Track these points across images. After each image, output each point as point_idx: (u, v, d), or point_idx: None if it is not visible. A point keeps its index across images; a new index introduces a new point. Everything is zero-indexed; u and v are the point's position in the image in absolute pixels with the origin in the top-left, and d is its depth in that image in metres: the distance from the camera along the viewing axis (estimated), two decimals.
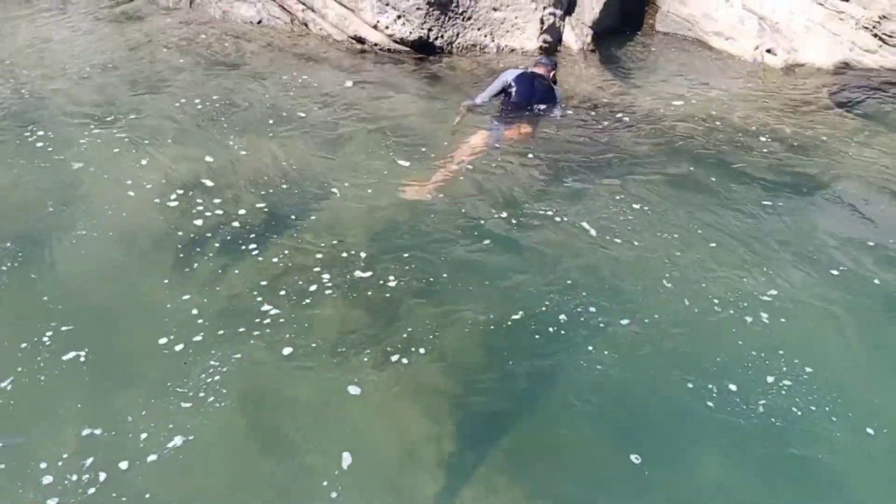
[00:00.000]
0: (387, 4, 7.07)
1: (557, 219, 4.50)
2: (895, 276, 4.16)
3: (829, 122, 6.35)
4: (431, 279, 3.89)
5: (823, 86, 7.15)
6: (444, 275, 3.94)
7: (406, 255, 4.08)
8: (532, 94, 5.90)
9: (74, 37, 7.03)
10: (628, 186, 4.95)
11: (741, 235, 4.45)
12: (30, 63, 6.38)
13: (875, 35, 8.26)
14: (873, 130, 6.25)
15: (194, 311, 3.55)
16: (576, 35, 7.57)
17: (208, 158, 4.94)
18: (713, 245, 4.33)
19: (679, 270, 4.07)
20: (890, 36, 8.28)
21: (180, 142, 5.14)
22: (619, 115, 6.19)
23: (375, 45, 7.20)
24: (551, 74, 6.18)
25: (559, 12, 7.55)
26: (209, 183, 4.67)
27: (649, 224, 4.51)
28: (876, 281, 4.11)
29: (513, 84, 5.90)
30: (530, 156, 5.31)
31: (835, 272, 4.15)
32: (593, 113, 6.20)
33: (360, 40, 7.24)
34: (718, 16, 7.82)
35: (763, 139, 5.86)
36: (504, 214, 4.54)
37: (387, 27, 7.12)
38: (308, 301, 3.68)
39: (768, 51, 7.57)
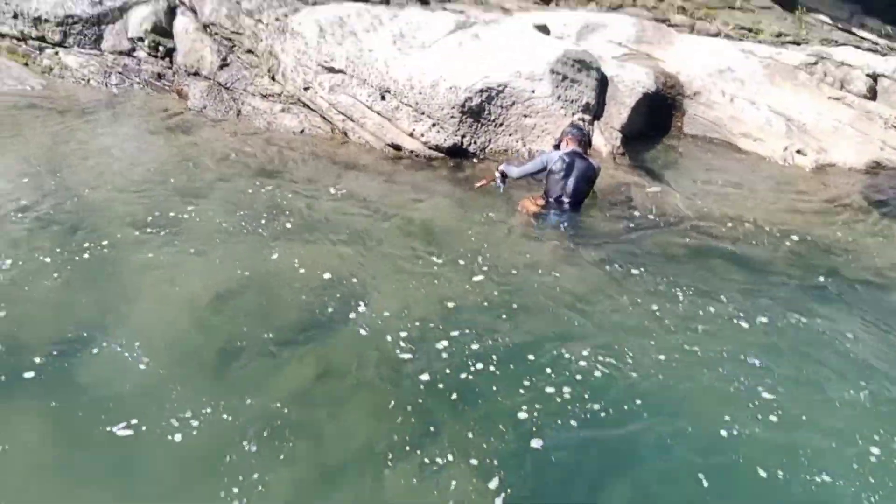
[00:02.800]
0: (422, 113, 7.42)
1: (595, 322, 4.53)
2: None
3: (864, 223, 6.34)
4: (471, 379, 3.91)
5: (856, 186, 7.17)
6: (484, 376, 3.95)
7: (446, 355, 4.12)
8: (568, 178, 6.15)
9: (125, 147, 7.46)
10: (661, 288, 4.98)
11: (767, 343, 4.40)
12: (80, 172, 6.76)
13: None
14: None
15: (228, 418, 3.60)
16: (605, 139, 7.78)
17: (251, 267, 5.11)
18: (739, 353, 4.28)
19: (712, 383, 4.02)
20: None
21: (224, 251, 5.34)
22: (651, 216, 6.28)
23: (412, 151, 7.51)
24: (586, 144, 6.47)
25: (588, 117, 7.80)
26: (251, 291, 4.81)
27: (692, 334, 4.50)
28: None
29: (550, 168, 6.17)
30: (566, 255, 5.41)
31: (865, 391, 4.05)
32: (627, 214, 6.31)
33: (397, 147, 7.56)
34: (745, 118, 8.00)
35: (794, 241, 5.87)
36: (543, 315, 4.58)
37: (422, 135, 7.44)
38: (347, 406, 3.72)
39: (798, 151, 7.67)
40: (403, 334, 4.35)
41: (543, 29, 8.66)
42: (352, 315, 4.60)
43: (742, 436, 3.61)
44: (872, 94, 8.55)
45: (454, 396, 3.81)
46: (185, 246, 5.36)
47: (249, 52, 8.57)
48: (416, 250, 5.47)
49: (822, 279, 5.29)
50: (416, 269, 5.18)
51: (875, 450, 3.57)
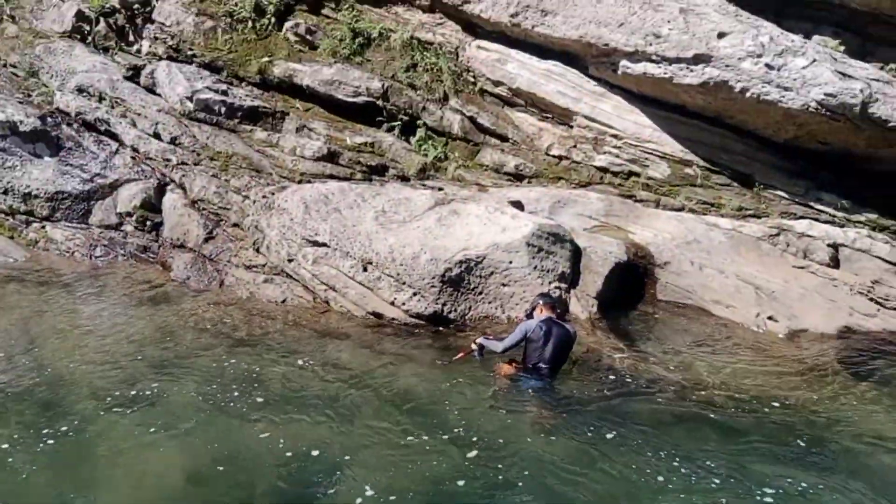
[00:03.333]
0: (403, 283, 7.59)
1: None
2: None
3: (837, 387, 6.40)
4: None
5: (828, 351, 7.30)
6: None
7: None
8: (546, 346, 6.19)
9: (104, 319, 7.44)
10: (637, 453, 4.91)
11: None
12: (56, 346, 6.69)
13: (871, 299, 8.64)
14: (881, 394, 6.26)
15: None
16: (582, 306, 7.95)
17: (227, 444, 4.95)
18: None
19: None
20: (886, 299, 8.67)
21: (199, 427, 5.20)
22: (630, 382, 6.30)
23: (393, 319, 7.59)
24: (559, 311, 6.58)
25: (564, 285, 8.03)
26: (227, 470, 4.62)
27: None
28: None
29: (529, 336, 6.21)
30: (548, 424, 5.36)
31: None
32: (605, 380, 6.32)
33: (379, 315, 7.64)
34: (715, 285, 8.28)
35: (774, 406, 5.88)
36: (532, 489, 4.41)
37: (403, 303, 7.56)
38: None
39: (770, 318, 7.87)
40: None
41: (517, 204, 9.15)
42: (334, 494, 4.41)
43: None
44: (835, 263, 8.96)
45: None
46: (159, 423, 5.21)
47: (235, 225, 8.88)
48: (399, 423, 5.38)
49: (802, 445, 5.27)
50: (400, 443, 5.07)
51: None
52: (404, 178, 10.10)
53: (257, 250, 8.59)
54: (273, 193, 8.71)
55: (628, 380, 6.34)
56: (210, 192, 9.25)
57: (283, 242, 8.25)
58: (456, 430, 5.22)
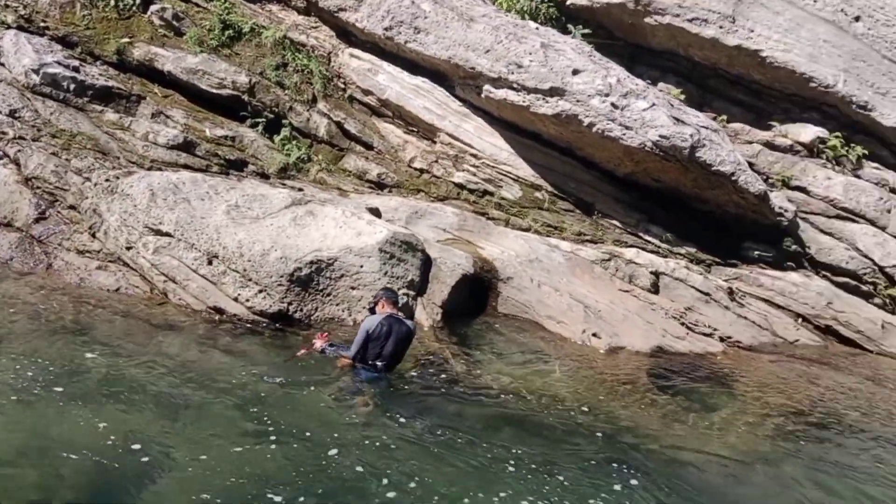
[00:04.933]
0: (250, 280, 7.52)
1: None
2: None
3: (646, 400, 7.07)
4: None
5: (642, 367, 8.04)
6: None
7: None
8: (387, 341, 6.39)
9: None
10: (455, 448, 5.24)
11: None
12: None
13: (682, 324, 9.60)
14: (680, 408, 7.00)
15: None
16: (427, 313, 8.24)
17: (37, 432, 4.71)
18: None
19: None
20: (695, 325, 9.67)
21: (13, 414, 4.89)
22: (462, 385, 6.67)
23: (235, 315, 7.48)
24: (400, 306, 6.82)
25: (412, 293, 8.29)
26: (31, 459, 4.40)
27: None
28: None
29: (371, 334, 6.38)
30: (380, 419, 5.57)
31: None
32: (441, 382, 6.63)
33: (220, 311, 7.50)
34: (550, 302, 8.88)
35: (586, 413, 6.41)
36: (350, 481, 4.54)
37: (248, 300, 7.49)
38: None
39: (594, 334, 8.54)
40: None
41: (375, 211, 9.33)
42: (151, 489, 4.32)
43: None
44: (655, 289, 9.88)
45: None
46: None
47: (72, 208, 8.39)
48: (227, 418, 5.32)
49: (602, 445, 5.79)
50: (226, 440, 5.01)
51: None
52: (264, 176, 9.99)
53: (93, 235, 8.16)
54: (118, 178, 8.31)
55: (461, 382, 6.69)
56: (47, 170, 8.68)
57: (122, 229, 7.91)
58: (283, 426, 5.26)
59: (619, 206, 10.71)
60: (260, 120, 10.35)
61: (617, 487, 5.10)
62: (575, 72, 9.69)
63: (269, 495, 4.36)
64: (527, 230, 10.26)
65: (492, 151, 10.70)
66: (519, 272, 9.16)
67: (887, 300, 10.96)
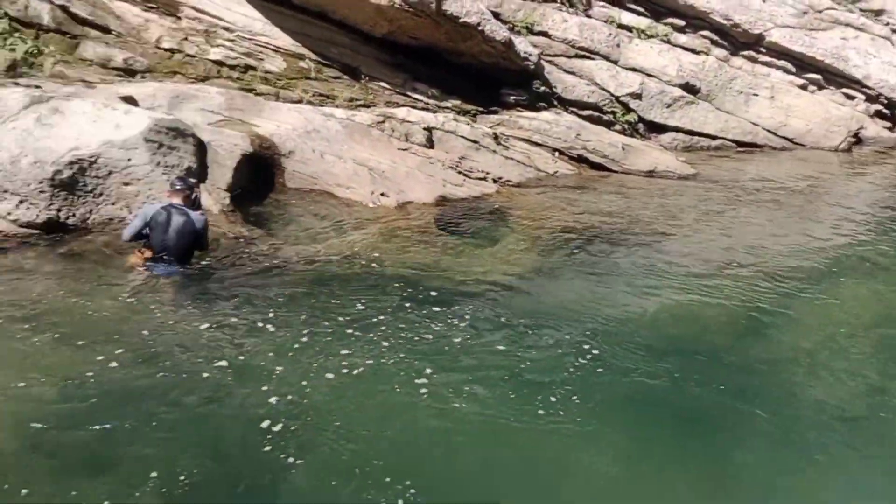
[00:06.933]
0: (5, 191, 6.74)
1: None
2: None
3: (437, 244, 7.80)
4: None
5: (430, 217, 8.74)
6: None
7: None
8: (167, 233, 6.25)
9: None
10: (276, 325, 5.50)
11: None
12: None
13: (459, 172, 10.43)
14: (467, 245, 7.86)
15: None
16: (214, 199, 8.05)
17: None
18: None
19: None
20: (470, 171, 10.55)
21: None
22: (262, 260, 6.83)
23: (1, 231, 6.74)
24: (193, 197, 6.60)
25: (193, 180, 7.97)
26: None
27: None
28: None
29: (150, 223, 6.23)
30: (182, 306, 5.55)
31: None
32: (238, 262, 6.71)
33: None
34: (336, 170, 9.10)
35: (382, 264, 6.98)
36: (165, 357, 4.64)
37: (9, 213, 6.75)
38: None
39: (382, 194, 9.01)
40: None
41: (131, 100, 8.59)
42: None
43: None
44: (430, 144, 10.51)
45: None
46: None
47: None
48: (21, 338, 4.99)
49: (404, 285, 6.43)
50: (24, 358, 4.75)
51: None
52: None
53: None
54: None
55: (263, 260, 6.81)
56: None
57: None
58: (95, 332, 5.10)
59: (385, 67, 10.97)
60: None
61: (434, 325, 5.74)
62: None
63: (78, 413, 4.30)
64: (299, 102, 10.18)
65: (244, 23, 10.23)
66: (299, 145, 9.18)
67: (625, 126, 12.76)
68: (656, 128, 13.12)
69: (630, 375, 5.16)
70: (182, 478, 3.76)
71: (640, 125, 12.97)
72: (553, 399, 4.72)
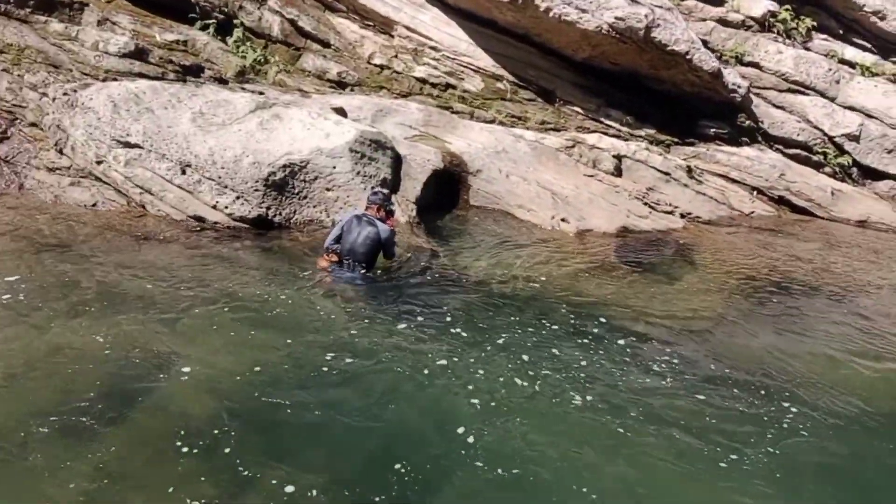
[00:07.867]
0: (225, 187, 7.58)
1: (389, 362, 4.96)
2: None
3: (614, 276, 7.56)
4: (280, 445, 4.09)
5: (610, 248, 8.51)
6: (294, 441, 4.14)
7: (255, 421, 4.27)
8: (353, 240, 6.61)
9: None
10: (455, 337, 5.58)
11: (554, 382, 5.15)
12: None
13: (645, 203, 10.06)
14: (646, 280, 7.53)
15: None
16: (402, 210, 8.47)
17: (39, 345, 4.86)
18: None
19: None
20: (657, 203, 10.14)
21: (8, 329, 5.03)
22: (442, 274, 7.01)
23: (216, 223, 7.58)
24: (385, 209, 6.93)
25: (386, 191, 8.44)
26: (40, 369, 4.59)
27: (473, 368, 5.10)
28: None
29: (343, 230, 6.66)
30: (359, 314, 5.86)
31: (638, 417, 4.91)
32: (419, 273, 6.94)
33: (200, 219, 7.59)
34: (519, 191, 9.18)
35: (558, 291, 6.86)
36: (349, 373, 4.90)
37: (226, 207, 7.57)
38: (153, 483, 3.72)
39: (563, 219, 8.94)
40: (214, 404, 4.41)
41: (340, 111, 9.31)
42: (157, 388, 4.55)
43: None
44: (618, 172, 10.26)
45: (265, 465, 3.94)
46: None
47: (33, 125, 8.17)
48: (222, 321, 5.51)
49: (582, 321, 6.26)
50: (224, 339, 5.22)
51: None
52: (222, 81, 9.80)
53: (60, 151, 8.02)
54: (75, 91, 8.07)
55: (442, 273, 7.01)
56: (2, 87, 8.36)
57: (89, 143, 7.78)
58: (278, 325, 5.50)
59: (579, 91, 10.87)
60: (210, 21, 10.03)
61: (600, 350, 5.59)
62: None
63: (273, 395, 4.61)
64: (491, 122, 10.41)
65: (450, 43, 10.62)
66: (487, 164, 9.38)
67: (836, 168, 11.60)
68: (872, 174, 11.77)
69: (824, 443, 4.65)
70: (368, 473, 3.94)
71: (854, 169, 11.70)
72: (735, 457, 4.38)
